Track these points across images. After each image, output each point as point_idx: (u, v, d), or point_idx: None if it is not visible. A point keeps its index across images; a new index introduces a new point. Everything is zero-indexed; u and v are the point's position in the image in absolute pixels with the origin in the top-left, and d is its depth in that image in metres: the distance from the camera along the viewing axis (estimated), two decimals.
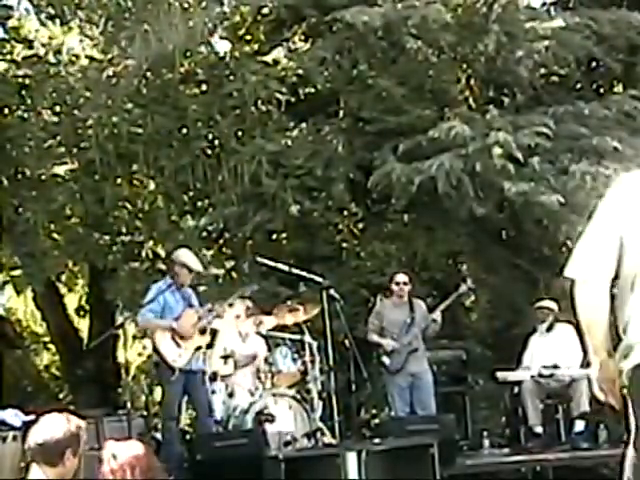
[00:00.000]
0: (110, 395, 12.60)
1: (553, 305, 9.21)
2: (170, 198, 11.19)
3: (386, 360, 8.93)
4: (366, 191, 10.61)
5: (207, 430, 7.93)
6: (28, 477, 3.95)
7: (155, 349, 7.87)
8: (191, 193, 11.43)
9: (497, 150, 9.41)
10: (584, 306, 3.30)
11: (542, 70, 10.62)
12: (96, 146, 10.22)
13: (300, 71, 10.77)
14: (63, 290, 14.31)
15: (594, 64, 11.42)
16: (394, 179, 9.79)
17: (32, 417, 7.15)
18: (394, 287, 9.12)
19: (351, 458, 6.76)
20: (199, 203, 11.68)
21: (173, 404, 7.85)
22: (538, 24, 10.20)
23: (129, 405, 8.90)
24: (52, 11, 11.25)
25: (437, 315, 9.04)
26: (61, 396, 15.52)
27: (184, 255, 8.15)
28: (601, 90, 11.86)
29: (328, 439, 7.85)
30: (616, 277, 3.31)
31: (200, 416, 8.09)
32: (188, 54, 10.74)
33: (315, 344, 8.30)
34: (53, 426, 3.95)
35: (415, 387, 8.94)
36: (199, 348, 7.95)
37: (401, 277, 9.15)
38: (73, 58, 10.93)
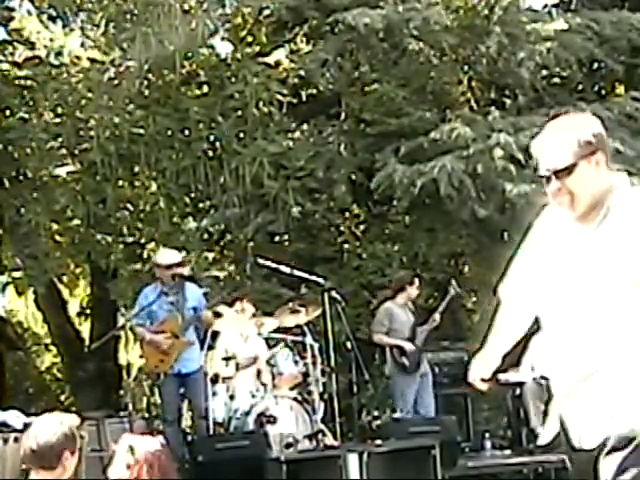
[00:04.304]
0: (112, 397, 12.61)
1: None
2: (172, 199, 11.19)
3: (405, 361, 8.97)
4: (368, 193, 10.62)
5: (202, 433, 7.93)
6: None
7: (141, 356, 8.21)
8: (193, 194, 11.44)
9: (499, 152, 9.41)
10: None
11: (543, 72, 10.61)
12: (98, 147, 10.23)
13: (302, 73, 10.79)
14: (65, 291, 14.32)
15: (596, 65, 11.42)
16: (396, 181, 9.79)
17: (34, 419, 7.17)
18: (414, 291, 9.14)
19: (352, 460, 6.76)
20: (201, 205, 11.69)
21: (167, 406, 8.01)
22: (539, 26, 10.20)
23: (130, 407, 8.90)
24: (53, 13, 11.27)
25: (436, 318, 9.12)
26: (62, 398, 15.53)
27: (157, 255, 8.41)
28: (603, 91, 11.86)
29: (329, 441, 7.83)
30: None
31: (196, 418, 8.16)
32: (189, 55, 10.74)
33: (317, 346, 8.29)
34: (45, 430, 3.82)
35: (421, 387, 9.01)
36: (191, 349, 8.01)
37: (417, 281, 9.22)
38: (74, 59, 10.95)
